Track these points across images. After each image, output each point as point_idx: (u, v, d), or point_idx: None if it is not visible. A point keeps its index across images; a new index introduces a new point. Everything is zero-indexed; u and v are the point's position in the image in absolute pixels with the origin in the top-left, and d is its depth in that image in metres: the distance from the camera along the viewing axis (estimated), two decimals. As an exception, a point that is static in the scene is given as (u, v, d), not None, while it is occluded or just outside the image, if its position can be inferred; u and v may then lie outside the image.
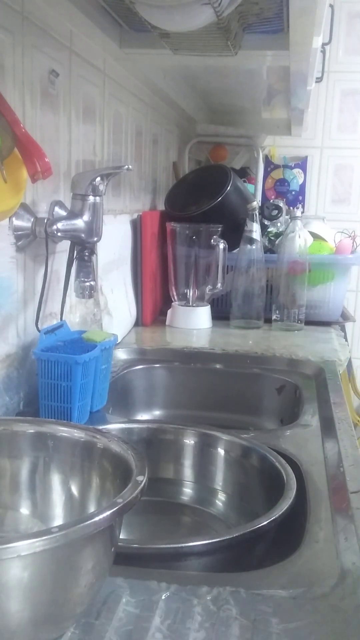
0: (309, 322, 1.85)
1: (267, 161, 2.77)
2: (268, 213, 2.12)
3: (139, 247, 1.72)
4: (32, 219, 1.02)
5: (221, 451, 1.02)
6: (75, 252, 1.12)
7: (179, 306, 1.82)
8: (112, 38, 1.27)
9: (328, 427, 1.08)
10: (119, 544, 0.56)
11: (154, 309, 1.86)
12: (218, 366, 1.50)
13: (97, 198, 1.08)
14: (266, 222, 2.11)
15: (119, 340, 1.49)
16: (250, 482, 0.97)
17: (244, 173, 2.51)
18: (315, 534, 0.73)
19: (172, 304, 1.84)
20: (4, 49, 0.92)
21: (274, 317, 1.85)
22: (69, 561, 0.49)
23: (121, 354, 1.48)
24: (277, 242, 2.01)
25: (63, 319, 1.15)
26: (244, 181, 2.29)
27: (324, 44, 1.71)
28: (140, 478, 0.56)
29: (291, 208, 1.93)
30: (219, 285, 1.78)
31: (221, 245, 1.75)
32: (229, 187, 1.86)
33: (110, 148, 1.48)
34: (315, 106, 2.67)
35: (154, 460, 1.02)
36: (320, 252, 2.02)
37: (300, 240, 1.85)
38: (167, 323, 1.82)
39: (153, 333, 1.72)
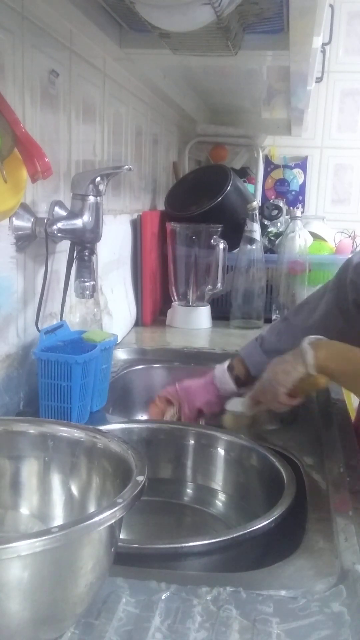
0: (309, 322, 1.85)
1: (267, 161, 2.77)
2: (268, 213, 2.12)
3: (139, 247, 1.72)
4: (32, 219, 1.02)
5: (221, 451, 1.02)
6: (75, 252, 1.12)
7: (179, 306, 1.82)
8: (112, 38, 1.27)
9: (328, 427, 1.08)
10: (119, 544, 0.56)
11: (154, 309, 1.86)
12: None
13: (97, 198, 1.08)
14: (266, 222, 2.11)
15: (119, 340, 1.49)
16: (250, 482, 0.97)
17: (244, 173, 2.51)
18: (315, 534, 0.73)
19: (172, 304, 1.84)
20: (4, 49, 0.92)
21: (274, 317, 1.85)
22: (69, 561, 0.49)
23: (121, 354, 1.48)
24: (277, 242, 2.02)
25: (63, 319, 1.15)
26: (244, 181, 2.29)
27: (324, 44, 1.71)
28: (140, 478, 0.56)
29: (291, 208, 1.93)
30: (219, 285, 1.78)
31: (221, 245, 1.75)
32: (229, 187, 1.86)
33: (110, 148, 1.48)
34: (315, 106, 2.67)
35: (154, 460, 1.02)
36: (320, 252, 2.02)
37: (300, 240, 1.85)
38: (167, 323, 1.82)
39: (153, 333, 1.72)
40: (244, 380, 1.15)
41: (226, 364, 1.17)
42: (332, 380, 0.97)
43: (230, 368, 1.16)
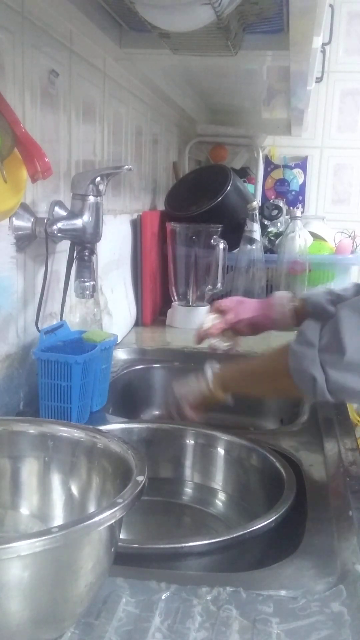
0: (309, 322, 1.85)
1: (267, 161, 2.77)
2: (268, 213, 2.12)
3: (139, 247, 1.72)
4: (32, 219, 1.02)
5: (221, 451, 1.02)
6: (75, 252, 1.12)
7: (179, 306, 1.82)
8: (112, 38, 1.27)
9: (328, 427, 1.08)
10: (119, 544, 0.56)
11: (154, 309, 1.86)
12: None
13: (97, 198, 1.08)
14: (266, 222, 2.11)
15: (119, 340, 1.49)
16: (250, 482, 0.97)
17: (244, 173, 2.51)
18: (315, 534, 0.73)
19: (172, 303, 1.84)
20: (4, 49, 0.92)
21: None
22: (69, 561, 0.49)
23: (121, 354, 1.48)
24: (277, 242, 2.01)
25: (63, 319, 1.15)
26: (244, 181, 2.29)
27: (324, 44, 1.71)
28: (140, 478, 0.56)
29: (291, 208, 1.93)
30: (219, 285, 1.78)
31: (221, 245, 1.75)
32: (229, 187, 1.86)
33: (110, 148, 1.48)
34: (315, 106, 2.67)
35: (154, 460, 1.02)
36: (320, 252, 2.02)
37: (300, 240, 1.85)
38: (167, 323, 1.82)
39: (153, 333, 1.72)
40: (299, 314, 1.16)
41: (288, 293, 1.22)
42: (234, 390, 1.05)
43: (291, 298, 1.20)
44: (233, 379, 1.05)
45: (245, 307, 1.19)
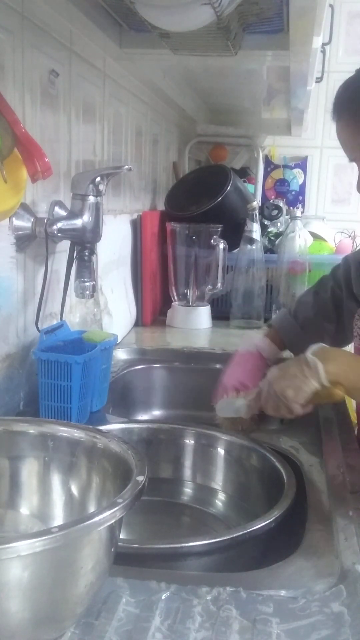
0: (309, 322, 1.85)
1: (267, 161, 2.77)
2: (268, 213, 2.12)
3: (139, 247, 1.72)
4: (32, 219, 1.02)
5: (221, 451, 1.02)
6: (75, 252, 1.12)
7: (179, 306, 1.82)
8: (112, 38, 1.27)
9: (328, 427, 1.08)
10: (119, 544, 0.56)
11: (154, 309, 1.86)
12: (218, 366, 1.49)
13: (97, 198, 1.08)
14: (266, 222, 2.10)
15: (119, 340, 1.49)
16: (250, 482, 0.97)
17: (244, 173, 2.51)
18: (315, 534, 0.73)
19: (172, 303, 1.84)
20: (4, 49, 0.92)
21: (273, 317, 1.85)
22: (69, 561, 0.49)
23: (121, 354, 1.48)
24: (277, 242, 2.01)
25: (63, 319, 1.15)
26: (244, 181, 2.29)
27: (324, 44, 1.71)
28: (140, 478, 0.56)
29: (291, 208, 1.93)
30: (219, 285, 1.78)
31: (221, 245, 1.75)
32: (229, 187, 1.86)
33: (110, 148, 1.48)
34: (315, 106, 2.66)
35: (154, 460, 1.02)
36: (320, 252, 2.02)
37: (300, 240, 1.85)
38: (167, 323, 1.82)
39: (153, 333, 1.72)
40: (275, 340, 1.19)
41: (261, 333, 1.21)
42: (348, 389, 0.94)
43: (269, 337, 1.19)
44: (349, 384, 0.93)
45: (241, 372, 1.10)
